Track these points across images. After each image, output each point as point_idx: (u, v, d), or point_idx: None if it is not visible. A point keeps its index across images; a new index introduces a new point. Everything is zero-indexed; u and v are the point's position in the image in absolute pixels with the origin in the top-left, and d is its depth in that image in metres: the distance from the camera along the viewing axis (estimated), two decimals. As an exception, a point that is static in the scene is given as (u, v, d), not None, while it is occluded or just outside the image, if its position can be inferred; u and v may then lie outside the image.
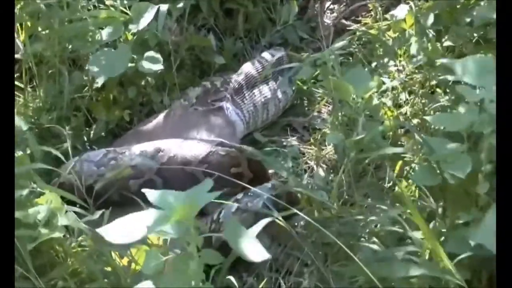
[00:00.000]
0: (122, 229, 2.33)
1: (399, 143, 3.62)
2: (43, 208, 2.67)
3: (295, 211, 2.94)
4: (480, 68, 2.82)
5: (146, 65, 3.90)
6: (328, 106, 4.13)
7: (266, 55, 4.28)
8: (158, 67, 3.91)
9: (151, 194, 2.40)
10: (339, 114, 3.40)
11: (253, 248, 2.36)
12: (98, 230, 2.38)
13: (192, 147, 3.45)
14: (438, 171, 2.74)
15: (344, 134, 3.30)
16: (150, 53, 3.93)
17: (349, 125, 3.43)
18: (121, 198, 3.26)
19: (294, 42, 4.65)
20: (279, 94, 4.16)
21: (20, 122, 3.32)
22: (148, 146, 3.46)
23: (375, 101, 3.58)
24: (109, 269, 2.79)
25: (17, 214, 2.62)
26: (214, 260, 2.49)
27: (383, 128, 3.35)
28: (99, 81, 3.81)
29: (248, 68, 4.20)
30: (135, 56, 3.92)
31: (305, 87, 4.25)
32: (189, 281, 2.34)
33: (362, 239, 2.97)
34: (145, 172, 3.38)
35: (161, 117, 3.90)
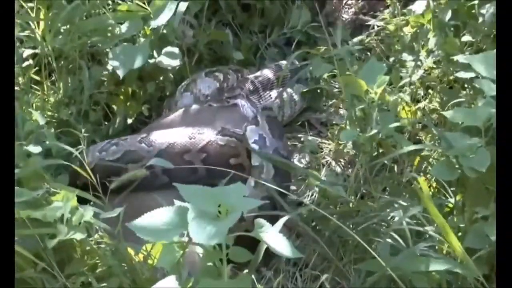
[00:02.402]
0: (152, 226, 2.31)
1: (417, 138, 3.62)
2: (60, 206, 2.68)
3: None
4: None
5: (165, 60, 3.92)
6: (346, 101, 4.13)
7: (280, 63, 4.31)
8: (177, 62, 3.92)
9: (183, 189, 2.36)
10: (352, 109, 3.40)
11: (285, 245, 2.35)
12: (128, 225, 2.36)
13: (192, 135, 3.49)
14: (457, 166, 2.74)
15: (360, 129, 3.30)
16: (169, 49, 3.94)
17: (364, 120, 3.42)
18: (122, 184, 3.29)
19: (302, 42, 4.64)
20: (295, 97, 4.16)
21: (38, 117, 3.34)
22: (150, 134, 3.52)
23: (393, 96, 3.58)
24: (125, 265, 2.80)
25: (36, 214, 2.64)
26: (243, 258, 2.47)
27: (400, 124, 3.34)
28: (120, 74, 3.81)
29: (265, 71, 4.23)
30: (154, 52, 3.93)
31: (322, 83, 4.24)
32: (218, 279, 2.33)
33: (380, 233, 2.96)
34: (144, 157, 3.43)
35: (178, 112, 3.91)
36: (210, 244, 2.27)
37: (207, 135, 3.49)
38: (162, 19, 3.90)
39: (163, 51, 3.93)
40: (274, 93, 4.10)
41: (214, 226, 2.20)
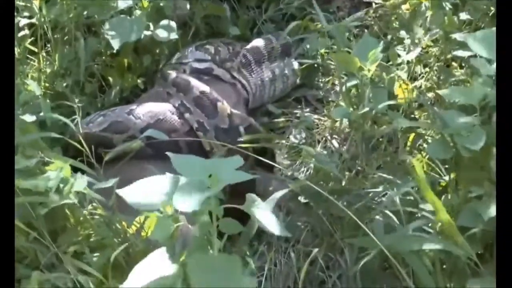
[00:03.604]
0: (143, 193, 2.31)
1: (413, 116, 3.62)
2: (53, 175, 2.69)
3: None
4: (493, 41, 2.80)
5: (161, 33, 3.90)
6: (342, 78, 4.12)
7: (270, 37, 4.29)
8: (173, 36, 3.90)
9: (175, 159, 2.35)
10: (344, 86, 3.39)
11: (274, 222, 2.35)
12: (118, 191, 2.35)
13: (183, 116, 3.49)
14: (451, 144, 2.73)
15: (354, 107, 3.29)
16: (166, 22, 3.92)
17: (358, 97, 3.41)
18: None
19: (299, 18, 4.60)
20: (287, 72, 4.15)
21: (34, 87, 3.33)
22: (139, 106, 3.52)
23: (390, 74, 3.57)
24: (119, 236, 2.81)
25: (27, 183, 2.64)
26: (233, 230, 2.47)
27: (395, 101, 3.34)
28: (115, 46, 3.79)
29: (257, 44, 4.20)
30: (150, 24, 3.91)
31: (318, 59, 4.22)
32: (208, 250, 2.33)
33: (373, 211, 2.96)
34: (130, 128, 3.45)
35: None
36: (200, 215, 2.28)
37: (195, 119, 3.50)
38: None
39: (160, 23, 3.90)
40: (265, 68, 4.08)
41: (196, 194, 2.19)
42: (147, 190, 2.31)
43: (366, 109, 3.16)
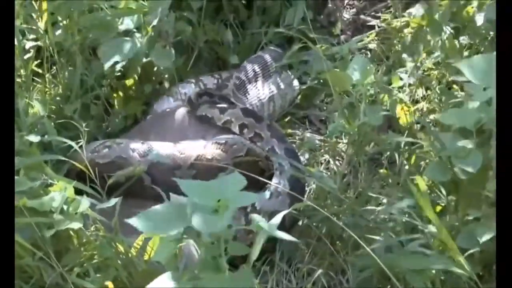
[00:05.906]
0: (155, 221, 2.33)
1: (415, 139, 3.65)
2: (57, 196, 2.72)
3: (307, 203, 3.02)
4: (487, 67, 2.83)
5: (157, 59, 3.93)
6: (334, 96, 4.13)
7: (261, 54, 4.33)
8: (168, 63, 3.92)
9: (183, 183, 2.36)
10: (340, 104, 3.43)
11: (283, 233, 2.38)
12: (128, 220, 2.32)
13: (183, 150, 3.48)
14: (449, 167, 2.76)
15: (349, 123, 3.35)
16: (161, 49, 3.93)
17: (353, 114, 3.44)
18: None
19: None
20: (284, 87, 4.17)
21: (39, 108, 3.37)
22: (146, 145, 3.51)
23: (393, 97, 3.62)
24: (122, 257, 2.83)
25: (33, 202, 2.68)
26: (241, 252, 2.49)
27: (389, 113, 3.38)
28: (106, 65, 3.78)
29: (248, 64, 4.21)
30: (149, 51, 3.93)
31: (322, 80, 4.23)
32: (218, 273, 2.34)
33: (374, 231, 2.98)
34: (133, 166, 3.41)
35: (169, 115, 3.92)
36: (208, 239, 2.29)
37: (195, 150, 3.48)
38: (159, 15, 3.86)
39: (155, 48, 3.91)
40: (261, 85, 4.11)
41: (214, 218, 2.23)
42: (155, 217, 2.33)
43: (360, 122, 3.21)
